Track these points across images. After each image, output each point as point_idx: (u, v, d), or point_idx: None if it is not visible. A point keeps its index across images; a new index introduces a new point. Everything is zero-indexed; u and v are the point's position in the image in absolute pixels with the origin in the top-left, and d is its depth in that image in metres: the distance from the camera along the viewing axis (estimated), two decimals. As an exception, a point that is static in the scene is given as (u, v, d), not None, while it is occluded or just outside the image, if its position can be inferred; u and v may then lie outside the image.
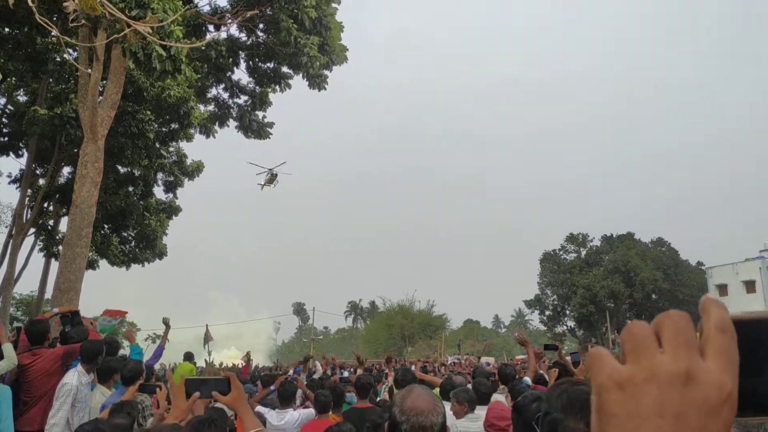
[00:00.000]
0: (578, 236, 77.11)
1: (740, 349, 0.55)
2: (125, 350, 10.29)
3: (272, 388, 7.73)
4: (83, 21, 10.33)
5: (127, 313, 13.22)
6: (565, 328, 75.73)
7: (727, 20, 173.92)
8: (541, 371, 8.34)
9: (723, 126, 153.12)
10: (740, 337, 0.56)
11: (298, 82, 17.53)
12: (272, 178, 37.18)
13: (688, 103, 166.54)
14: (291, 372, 10.18)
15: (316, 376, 9.78)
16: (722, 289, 67.69)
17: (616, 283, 68.29)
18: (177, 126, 19.19)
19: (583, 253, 76.42)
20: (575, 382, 1.36)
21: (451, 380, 6.70)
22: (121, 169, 21.04)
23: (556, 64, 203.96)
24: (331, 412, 6.36)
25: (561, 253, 76.54)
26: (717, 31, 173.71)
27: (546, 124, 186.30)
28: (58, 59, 17.23)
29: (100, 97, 13.16)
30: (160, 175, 22.00)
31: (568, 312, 74.06)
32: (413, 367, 11.80)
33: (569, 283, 71.24)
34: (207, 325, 33.76)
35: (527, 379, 7.74)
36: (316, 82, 16.87)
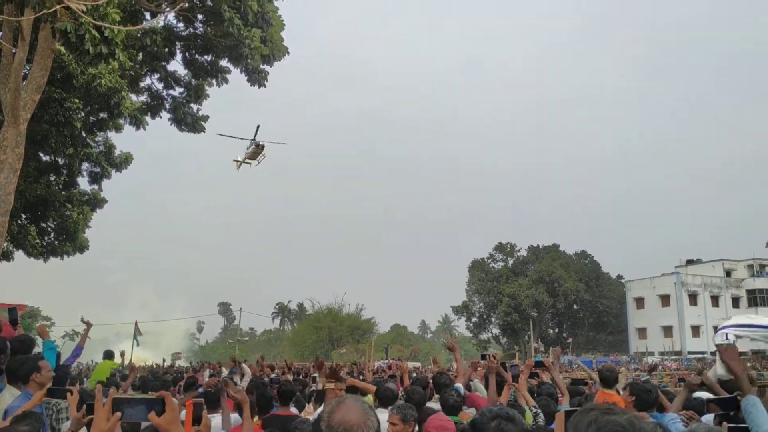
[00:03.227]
0: (506, 246, 78.92)
1: None
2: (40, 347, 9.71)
3: (199, 390, 7.44)
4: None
5: (24, 307, 12.49)
6: (490, 335, 77.28)
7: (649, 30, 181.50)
8: (476, 380, 8.33)
9: (643, 141, 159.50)
10: None
11: (237, 77, 17.18)
12: (256, 152, 29.73)
13: (612, 114, 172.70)
14: (226, 373, 9.87)
15: (245, 381, 9.47)
16: (639, 302, 70.63)
17: (540, 293, 70.23)
18: (106, 115, 18.42)
19: (511, 262, 78.27)
20: (606, 410, 1.23)
21: (386, 387, 6.56)
22: (44, 157, 20.00)
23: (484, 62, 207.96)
24: (256, 418, 6.12)
25: (489, 261, 78.17)
26: (645, 43, 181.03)
27: (472, 126, 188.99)
28: (-21, 37, 16.25)
29: (24, 81, 12.46)
30: (85, 165, 21.06)
31: (493, 319, 75.61)
32: (342, 373, 11.63)
33: (496, 291, 72.79)
34: (136, 322, 32.86)
35: (459, 386, 7.70)
36: (256, 78, 16.52)
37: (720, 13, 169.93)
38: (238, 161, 31.06)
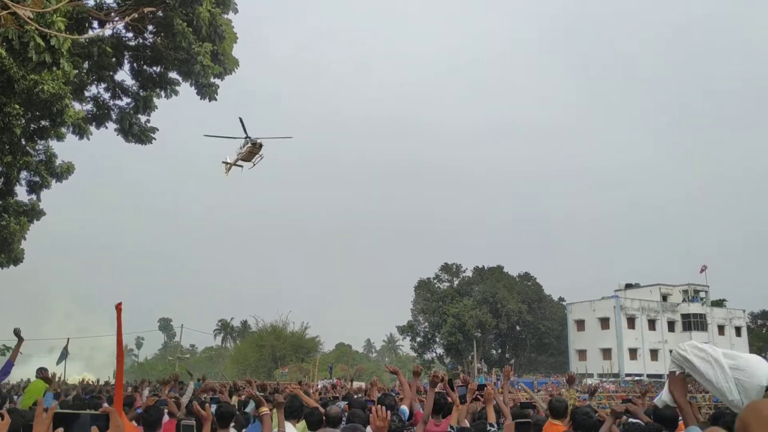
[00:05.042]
0: (452, 266, 79.56)
1: None
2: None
3: (138, 410, 7.23)
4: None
5: None
6: (434, 355, 77.52)
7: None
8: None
9: (586, 166, 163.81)
10: None
11: (186, 89, 16.97)
12: (252, 152, 26.65)
13: (555, 141, 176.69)
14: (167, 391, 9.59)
15: (185, 398, 9.24)
16: (580, 324, 72.14)
17: (484, 314, 70.97)
18: (48, 123, 17.88)
19: (456, 282, 78.93)
20: None
21: (316, 410, 6.49)
22: (-21, 165, 19.30)
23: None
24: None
25: (435, 281, 78.60)
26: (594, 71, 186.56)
27: (416, 153, 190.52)
28: None
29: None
30: (24, 174, 20.37)
31: (438, 339, 75.94)
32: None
33: (441, 311, 73.20)
34: (68, 339, 31.42)
35: (405, 408, 7.69)
36: (206, 91, 16.34)
37: (661, 57, 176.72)
38: (227, 163, 27.93)
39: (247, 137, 26.29)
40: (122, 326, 5.90)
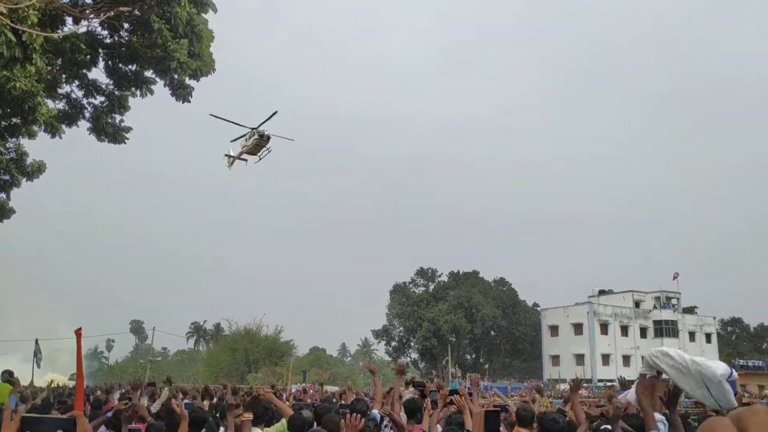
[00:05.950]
0: (428, 270, 79.77)
1: None
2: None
3: (108, 414, 7.09)
4: None
5: None
6: (409, 359, 77.60)
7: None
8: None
9: (563, 166, 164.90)
10: None
11: (161, 90, 16.78)
12: (259, 145, 24.86)
13: (529, 145, 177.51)
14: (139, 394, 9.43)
15: (157, 404, 9.10)
16: (554, 329, 72.70)
17: (458, 318, 71.22)
18: (19, 121, 17.55)
19: (431, 287, 79.13)
20: None
21: (300, 415, 6.42)
22: (-53, 162, 18.91)
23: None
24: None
25: (411, 285, 78.73)
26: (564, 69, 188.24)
27: (395, 152, 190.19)
28: None
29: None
30: (-8, 172, 20.01)
31: (412, 344, 76.04)
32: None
33: (416, 315, 73.33)
34: (37, 340, 30.80)
35: (376, 412, 7.64)
36: (181, 93, 16.16)
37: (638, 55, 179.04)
38: (230, 156, 26.42)
39: (254, 128, 24.78)
40: (81, 350, 5.91)
